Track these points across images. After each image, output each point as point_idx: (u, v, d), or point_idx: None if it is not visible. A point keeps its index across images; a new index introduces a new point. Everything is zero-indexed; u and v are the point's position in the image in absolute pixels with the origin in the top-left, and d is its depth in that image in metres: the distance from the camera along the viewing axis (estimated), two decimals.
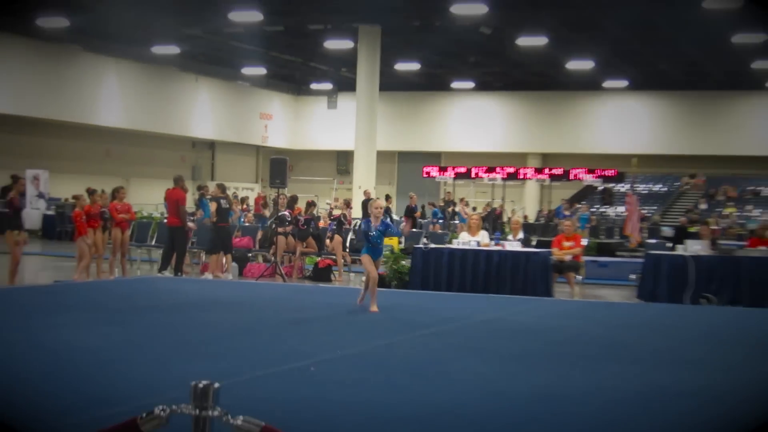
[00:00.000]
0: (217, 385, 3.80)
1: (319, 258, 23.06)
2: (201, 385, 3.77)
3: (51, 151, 41.61)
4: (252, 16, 33.27)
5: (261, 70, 48.56)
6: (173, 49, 41.75)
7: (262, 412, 4.18)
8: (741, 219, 45.64)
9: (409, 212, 34.87)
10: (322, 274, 22.36)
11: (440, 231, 30.04)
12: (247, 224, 26.95)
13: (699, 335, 13.34)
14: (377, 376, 9.39)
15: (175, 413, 3.79)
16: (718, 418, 7.91)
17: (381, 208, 15.57)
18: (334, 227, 23.62)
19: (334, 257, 23.00)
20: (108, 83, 42.24)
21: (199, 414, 3.76)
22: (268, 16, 33.15)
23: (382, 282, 20.12)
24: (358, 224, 26.65)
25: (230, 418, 3.75)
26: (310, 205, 24.47)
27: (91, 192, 20.29)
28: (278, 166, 23.11)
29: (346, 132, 42.81)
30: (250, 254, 23.98)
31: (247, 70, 48.52)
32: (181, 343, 11.21)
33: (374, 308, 14.73)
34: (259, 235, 25.11)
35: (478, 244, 19.16)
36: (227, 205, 22.24)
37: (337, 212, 30.20)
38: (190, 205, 26.35)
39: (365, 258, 15.33)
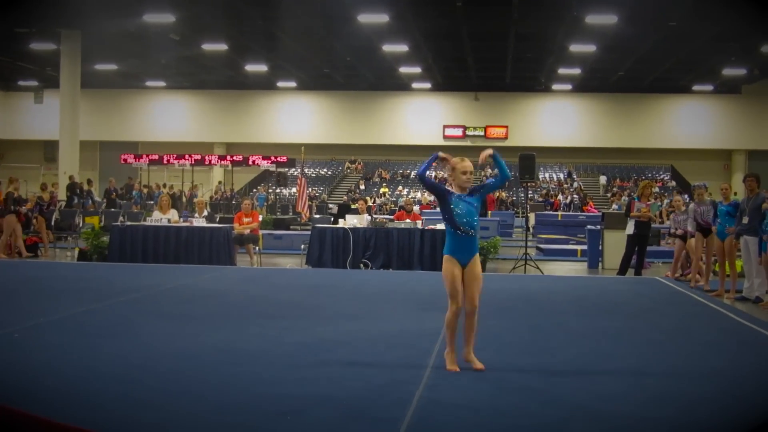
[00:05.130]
0: None
1: (27, 236, 21.96)
2: None
3: None
4: None
5: None
6: None
7: None
8: (393, 197, 47.37)
9: (108, 194, 34.04)
10: (29, 250, 21.29)
11: (137, 210, 29.35)
12: None
13: (355, 294, 13.60)
14: (76, 339, 9.00)
15: None
16: (371, 361, 8.09)
17: (469, 173, 7.60)
18: (39, 209, 22.56)
19: (39, 235, 21.98)
20: None
21: None
22: None
23: (84, 256, 19.33)
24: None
25: None
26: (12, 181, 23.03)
27: None
28: None
29: (52, 124, 41.04)
30: None
31: None
32: None
33: (477, 363, 7.50)
34: None
35: (169, 221, 18.83)
36: None
37: (44, 195, 28.79)
38: None
39: (451, 267, 7.49)
